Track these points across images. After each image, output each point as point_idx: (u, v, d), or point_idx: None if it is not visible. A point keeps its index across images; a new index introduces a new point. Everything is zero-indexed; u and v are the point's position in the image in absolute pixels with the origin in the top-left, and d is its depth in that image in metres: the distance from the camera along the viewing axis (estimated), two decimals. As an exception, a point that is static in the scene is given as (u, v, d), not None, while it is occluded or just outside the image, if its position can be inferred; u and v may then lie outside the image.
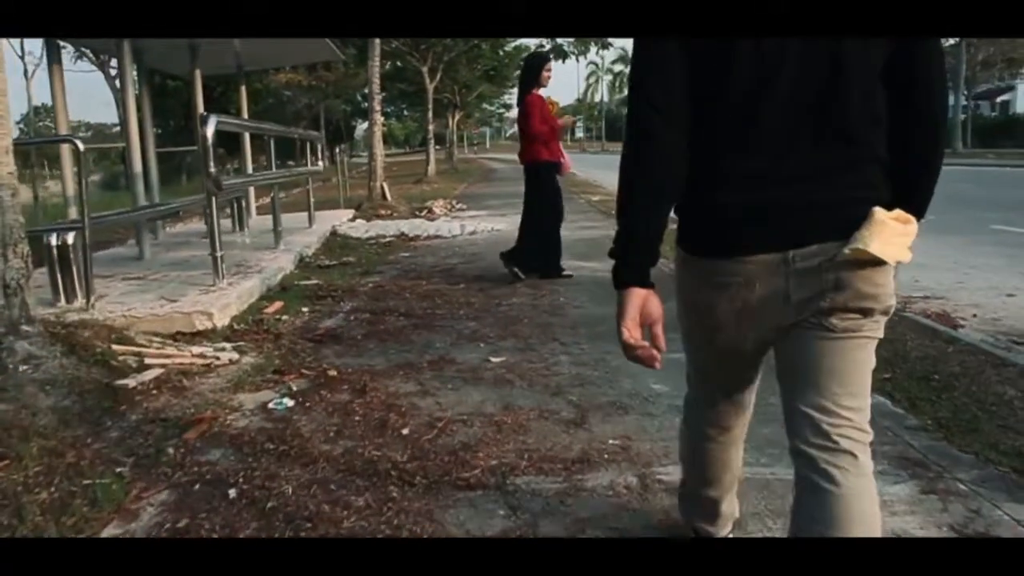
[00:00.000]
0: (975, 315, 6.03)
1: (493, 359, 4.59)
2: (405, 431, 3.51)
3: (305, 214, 11.37)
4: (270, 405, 3.91)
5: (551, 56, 7.69)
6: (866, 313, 1.70)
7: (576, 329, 5.28)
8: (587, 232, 10.89)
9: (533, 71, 7.25)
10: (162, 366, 4.39)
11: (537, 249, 7.29)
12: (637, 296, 1.69)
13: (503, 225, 12.07)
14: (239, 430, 3.61)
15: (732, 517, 2.44)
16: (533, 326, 5.40)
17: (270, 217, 9.23)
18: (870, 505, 1.71)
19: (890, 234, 1.61)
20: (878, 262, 1.64)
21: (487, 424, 3.56)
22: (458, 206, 16.28)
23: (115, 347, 4.48)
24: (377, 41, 15.61)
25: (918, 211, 1.70)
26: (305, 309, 6.17)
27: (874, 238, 1.60)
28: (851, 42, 1.61)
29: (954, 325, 5.73)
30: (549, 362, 4.52)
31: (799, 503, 1.78)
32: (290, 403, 3.93)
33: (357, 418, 3.70)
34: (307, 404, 3.93)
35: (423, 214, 14.63)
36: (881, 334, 1.76)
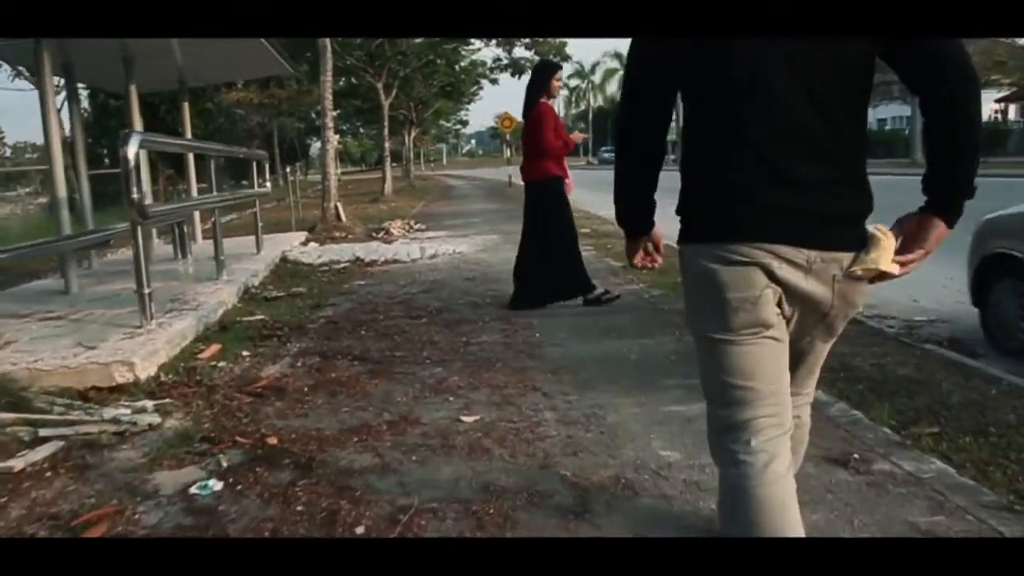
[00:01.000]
0: (990, 342, 5.50)
1: (465, 418, 3.86)
2: (360, 529, 2.77)
3: (255, 238, 10.56)
4: (192, 490, 3.15)
5: (561, 64, 6.86)
6: (848, 317, 1.95)
7: (559, 375, 4.56)
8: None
9: (543, 78, 6.51)
10: (63, 438, 3.61)
11: (561, 272, 6.57)
12: (639, 241, 2.15)
13: (465, 247, 11.37)
14: (148, 529, 2.85)
15: None
16: (508, 372, 4.67)
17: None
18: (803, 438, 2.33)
19: (890, 252, 1.80)
20: (878, 276, 1.83)
21: (463, 515, 2.83)
22: (416, 226, 15.51)
23: (4, 416, 3.69)
24: (329, 55, 14.86)
25: (952, 203, 1.81)
26: (246, 353, 5.40)
27: (882, 258, 1.79)
28: (847, 56, 1.74)
29: (972, 354, 5.20)
30: (532, 421, 3.80)
31: None
32: (217, 486, 3.17)
33: (299, 507, 2.95)
34: (238, 487, 3.17)
35: (380, 236, 13.85)
36: None
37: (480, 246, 11.58)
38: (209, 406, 4.23)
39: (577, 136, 6.84)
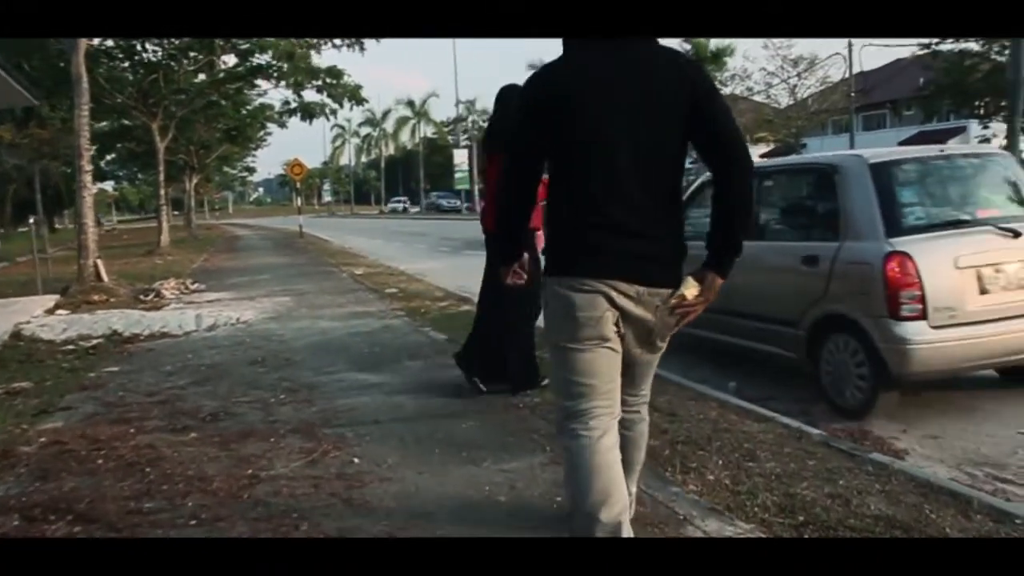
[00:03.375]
0: (904, 430, 4.68)
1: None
2: None
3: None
4: None
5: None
6: (666, 337, 2.69)
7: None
8: (363, 323, 8.59)
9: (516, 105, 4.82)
10: None
11: (518, 352, 5.03)
12: (511, 267, 3.04)
13: (251, 314, 9.53)
14: None
15: None
16: (320, 540, 3.06)
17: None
18: (645, 432, 2.97)
19: (694, 291, 2.56)
20: (682, 307, 2.58)
21: None
22: (194, 286, 13.35)
23: None
24: (85, 86, 12.62)
25: (729, 262, 2.60)
26: (-99, 512, 3.48)
27: (690, 293, 2.55)
28: (668, 139, 2.52)
29: (896, 452, 4.29)
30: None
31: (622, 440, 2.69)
32: None
33: None
34: None
35: (149, 299, 11.63)
36: None
37: (269, 312, 9.77)
38: None
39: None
